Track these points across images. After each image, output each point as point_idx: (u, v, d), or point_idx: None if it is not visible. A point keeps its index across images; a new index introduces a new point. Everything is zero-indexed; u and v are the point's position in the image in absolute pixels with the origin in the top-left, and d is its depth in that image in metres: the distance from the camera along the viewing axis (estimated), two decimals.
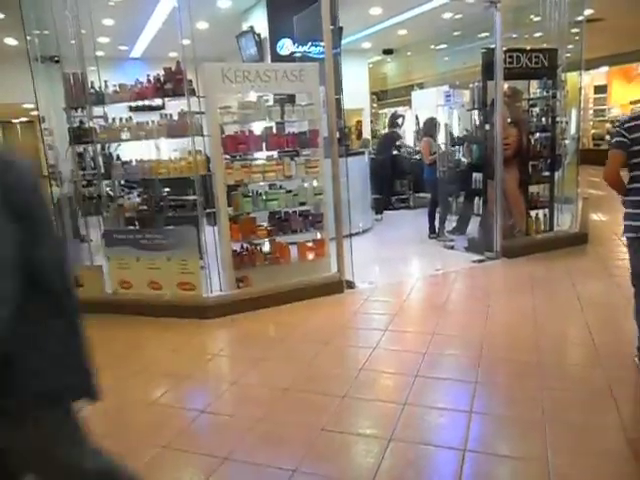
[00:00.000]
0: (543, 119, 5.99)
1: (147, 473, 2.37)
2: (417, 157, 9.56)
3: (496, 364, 3.24)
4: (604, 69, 15.28)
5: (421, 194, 9.48)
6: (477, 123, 6.09)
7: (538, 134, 6.00)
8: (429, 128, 7.09)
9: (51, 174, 5.06)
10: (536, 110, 6.08)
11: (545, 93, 5.94)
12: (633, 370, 3.08)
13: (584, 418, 2.59)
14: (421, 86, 14.05)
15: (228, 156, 4.58)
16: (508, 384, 3.00)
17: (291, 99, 5.02)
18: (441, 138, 6.94)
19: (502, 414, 2.69)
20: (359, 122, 13.11)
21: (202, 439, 2.66)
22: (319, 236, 4.91)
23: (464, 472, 2.24)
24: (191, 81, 4.32)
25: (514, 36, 6.94)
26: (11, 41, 10.57)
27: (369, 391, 3.00)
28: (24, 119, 21.49)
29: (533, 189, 6.02)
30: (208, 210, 4.59)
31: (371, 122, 14.84)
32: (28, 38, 4.67)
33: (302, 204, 4.75)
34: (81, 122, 4.72)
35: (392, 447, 2.44)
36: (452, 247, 6.25)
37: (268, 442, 2.56)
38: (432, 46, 11.64)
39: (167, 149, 5.35)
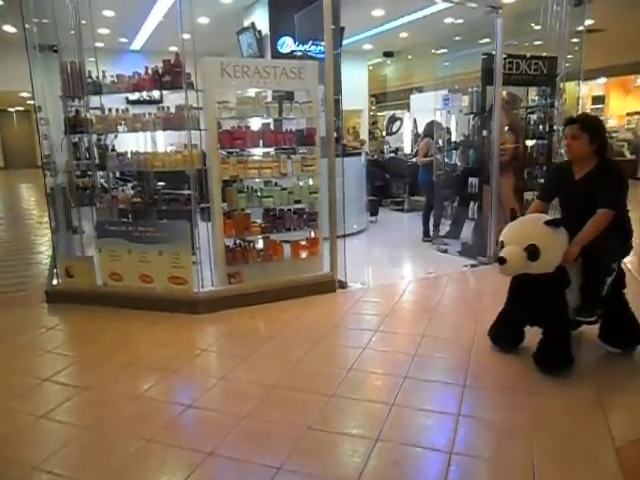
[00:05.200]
0: (540, 127, 6.01)
1: (132, 466, 2.36)
2: (414, 160, 9.58)
3: (485, 368, 3.24)
4: (602, 80, 15.38)
5: (416, 197, 9.49)
6: (475, 128, 6.10)
7: (535, 141, 6.02)
8: (430, 130, 7.05)
9: (45, 164, 5.02)
10: (534, 117, 6.10)
11: (543, 101, 5.96)
12: (623, 378, 3.09)
13: (572, 424, 2.59)
14: (420, 90, 14.08)
15: (224, 151, 4.57)
16: (496, 388, 2.99)
17: (290, 96, 5.01)
18: (439, 141, 6.93)
19: (489, 418, 2.68)
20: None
21: (188, 433, 2.65)
22: (313, 235, 4.91)
23: (450, 474, 2.23)
24: (189, 74, 4.29)
25: (515, 43, 6.96)
26: (10, 28, 10.53)
27: (357, 391, 2.98)
28: (20, 108, 21.43)
29: (528, 196, 6.04)
30: (202, 205, 4.57)
31: (374, 124, 14.82)
32: (27, 26, 4.62)
33: (297, 202, 4.74)
34: (77, 112, 4.68)
35: (378, 447, 2.43)
36: (445, 251, 6.25)
37: (254, 439, 2.54)
38: (432, 50, 11.66)
39: (164, 143, 5.33)
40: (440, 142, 6.77)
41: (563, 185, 3.36)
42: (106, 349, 3.70)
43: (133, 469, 2.34)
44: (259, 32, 9.17)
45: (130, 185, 5.11)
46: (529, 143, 6.00)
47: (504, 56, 5.43)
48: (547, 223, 3.00)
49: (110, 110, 4.65)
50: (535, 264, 2.94)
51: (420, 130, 10.52)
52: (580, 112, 5.74)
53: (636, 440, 2.46)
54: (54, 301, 4.66)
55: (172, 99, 4.65)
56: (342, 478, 2.25)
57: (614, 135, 15.04)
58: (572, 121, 3.27)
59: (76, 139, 4.80)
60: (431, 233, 6.76)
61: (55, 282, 4.79)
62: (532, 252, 2.92)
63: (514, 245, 2.97)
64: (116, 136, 4.84)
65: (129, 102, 5.87)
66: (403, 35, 12.06)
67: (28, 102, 16.39)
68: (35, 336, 3.99)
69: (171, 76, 4.34)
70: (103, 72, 4.65)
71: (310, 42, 8.07)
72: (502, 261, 2.97)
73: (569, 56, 6.30)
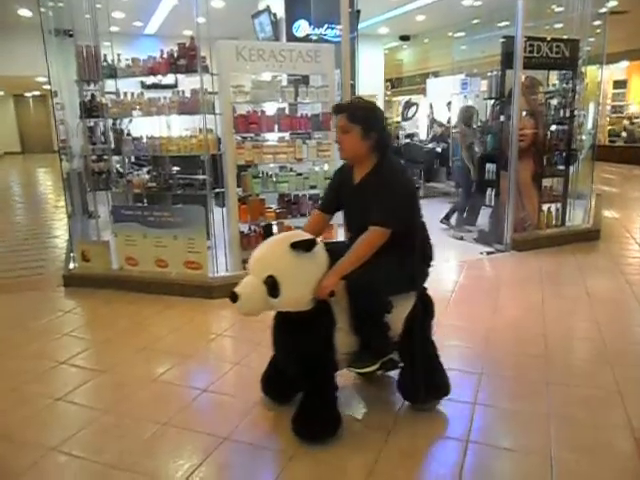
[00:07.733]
0: (560, 112, 5.88)
1: (147, 449, 2.38)
2: (429, 146, 9.48)
3: (502, 356, 3.20)
4: (624, 64, 15.00)
5: (432, 183, 9.41)
6: (493, 113, 5.99)
7: (554, 127, 5.90)
8: (465, 116, 6.83)
9: (61, 149, 5.04)
10: (554, 102, 5.97)
11: (564, 85, 5.82)
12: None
13: (590, 414, 2.55)
14: (436, 74, 13.88)
15: (239, 136, 4.54)
16: (513, 377, 2.95)
17: (305, 80, 4.95)
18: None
19: (506, 407, 2.65)
20: None
21: (203, 418, 2.65)
22: None
23: (466, 462, 2.22)
24: (204, 58, 4.26)
25: (532, 25, 6.80)
26: (25, 12, 10.53)
27: (370, 378, 2.96)
28: (37, 93, 21.54)
29: (546, 182, 5.94)
30: (217, 190, 4.55)
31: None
32: (42, 10, 4.61)
33: (312, 188, 4.70)
34: (93, 96, 4.68)
35: (392, 436, 2.41)
36: (461, 238, 6.18)
37: (269, 424, 2.54)
38: (450, 33, 11.46)
39: (178, 127, 5.31)
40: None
41: (342, 191, 2.62)
42: (122, 333, 3.73)
43: (149, 452, 2.36)
44: (274, 15, 9.06)
45: (145, 170, 5.11)
46: (549, 129, 5.87)
47: (524, 39, 5.31)
48: (294, 246, 2.24)
49: (125, 94, 4.64)
50: (277, 301, 2.22)
51: (436, 116, 10.41)
52: (601, 97, 5.57)
53: None
54: (71, 285, 4.69)
55: (187, 83, 4.62)
56: (355, 467, 2.24)
57: (635, 121, 14.71)
58: (339, 109, 2.50)
59: (92, 123, 4.81)
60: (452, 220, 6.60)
61: (72, 266, 4.83)
62: (271, 286, 2.18)
63: (253, 276, 2.23)
64: (131, 120, 4.84)
65: (144, 86, 5.86)
66: (420, 18, 11.87)
67: (44, 87, 16.46)
68: (52, 319, 4.03)
69: (186, 59, 4.32)
70: (118, 56, 4.63)
71: (326, 26, 7.98)
72: (233, 298, 2.18)
73: (591, 39, 6.15)
